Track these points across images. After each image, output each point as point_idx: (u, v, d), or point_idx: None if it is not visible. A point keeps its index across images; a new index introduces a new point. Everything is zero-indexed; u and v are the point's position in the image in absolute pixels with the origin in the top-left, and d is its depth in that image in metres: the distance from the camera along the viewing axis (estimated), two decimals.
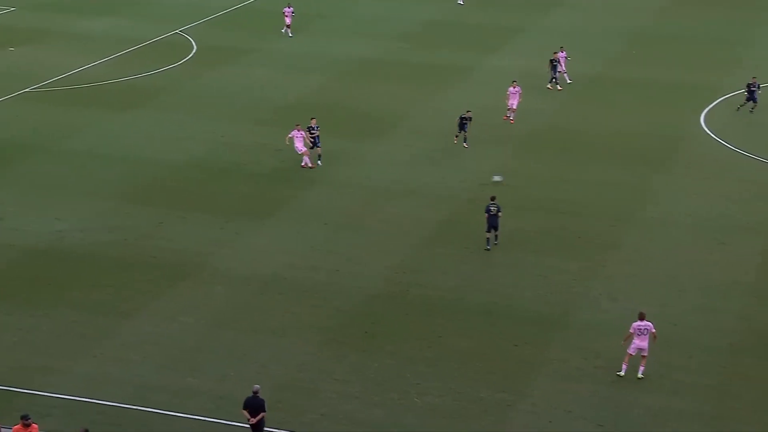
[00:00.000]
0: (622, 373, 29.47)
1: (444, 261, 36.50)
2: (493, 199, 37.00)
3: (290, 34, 63.33)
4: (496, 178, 41.95)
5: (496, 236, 36.95)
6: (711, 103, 51.86)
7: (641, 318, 29.40)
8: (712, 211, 40.22)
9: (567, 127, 48.98)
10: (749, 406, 28.42)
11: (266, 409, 25.85)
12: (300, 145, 43.97)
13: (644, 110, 51.20)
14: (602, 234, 38.38)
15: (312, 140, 44.06)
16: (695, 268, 35.83)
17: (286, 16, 63.52)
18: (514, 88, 48.76)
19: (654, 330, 29.30)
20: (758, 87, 49.09)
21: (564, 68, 54.01)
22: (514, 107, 48.69)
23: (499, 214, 36.68)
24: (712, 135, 47.91)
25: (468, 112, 46.16)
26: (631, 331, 29.35)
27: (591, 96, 53.31)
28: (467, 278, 35.30)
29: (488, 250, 36.77)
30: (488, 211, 36.82)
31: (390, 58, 60.32)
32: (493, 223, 36.72)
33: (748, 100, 49.19)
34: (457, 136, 46.02)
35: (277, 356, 30.56)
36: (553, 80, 53.51)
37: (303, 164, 44.01)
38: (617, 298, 34.02)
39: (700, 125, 49.15)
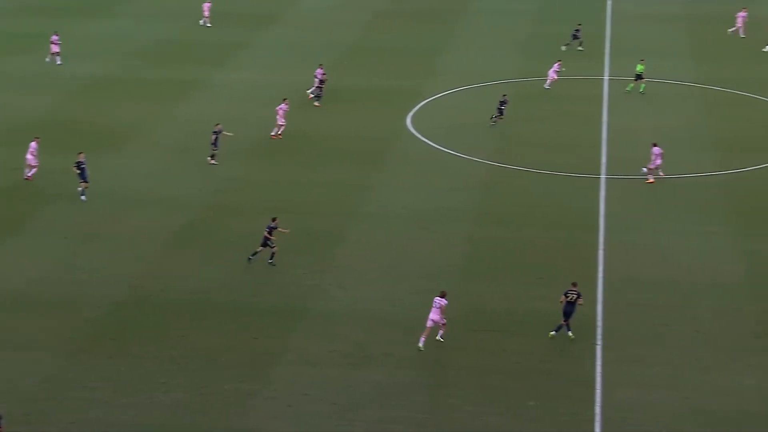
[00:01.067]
0: (420, 345, 30.33)
1: (187, 265, 35.67)
2: (274, 219, 35.92)
3: (58, 62, 59.16)
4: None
5: (270, 254, 35.64)
6: (415, 106, 53.61)
7: (441, 295, 30.71)
8: (422, 203, 41.53)
9: (293, 133, 49.01)
10: (464, 373, 29.57)
11: (1, 426, 24.24)
12: (30, 158, 41.99)
13: (359, 115, 52.18)
14: (330, 230, 38.74)
15: (79, 173, 41.04)
16: (412, 255, 36.85)
17: (53, 43, 59.30)
18: (285, 104, 48.24)
19: (443, 306, 30.50)
20: (506, 102, 50.26)
21: (319, 84, 53.84)
22: (282, 123, 48.02)
23: (269, 233, 35.37)
24: (418, 135, 49.56)
25: (217, 125, 45.15)
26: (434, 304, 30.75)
27: (319, 103, 53.55)
28: (210, 279, 34.65)
29: (249, 259, 35.60)
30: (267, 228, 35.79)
31: (124, 76, 58.26)
32: (264, 240, 35.66)
33: (499, 113, 50.31)
34: (213, 154, 44.73)
35: (23, 371, 28.73)
36: (316, 95, 53.25)
37: (28, 176, 42.25)
38: (346, 287, 34.48)
39: (407, 126, 50.72)
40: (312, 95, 53.64)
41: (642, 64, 55.12)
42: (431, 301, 33.14)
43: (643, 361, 30.23)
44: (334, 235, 38.33)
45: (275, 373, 29.25)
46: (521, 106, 52.11)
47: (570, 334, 31.06)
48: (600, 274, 35.33)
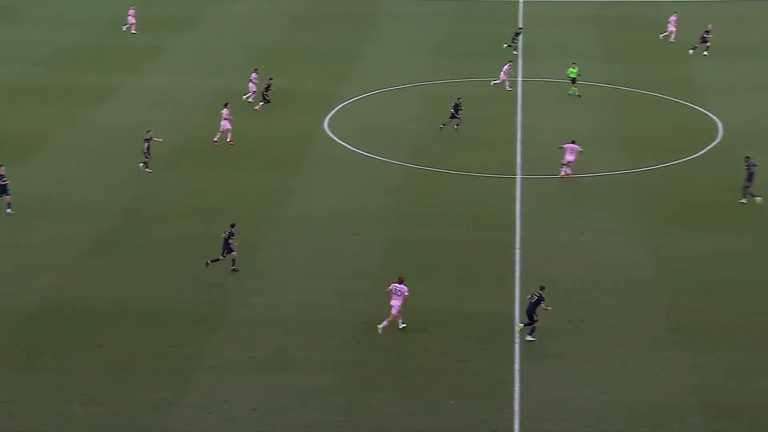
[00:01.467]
0: (400, 326, 31.24)
1: (104, 272, 34.90)
2: (233, 225, 35.23)
3: None
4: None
5: (232, 260, 35.05)
6: (332, 109, 53.37)
7: (399, 281, 30.89)
8: (342, 206, 41.32)
9: (209, 138, 48.33)
10: (384, 375, 29.47)
11: None
12: None
13: (277, 118, 51.71)
14: (249, 235, 38.14)
15: (2, 187, 39.70)
16: (332, 258, 36.61)
17: None
18: (226, 109, 47.41)
19: (407, 294, 30.83)
20: (460, 106, 49.72)
21: (255, 88, 53.06)
22: (229, 128, 47.23)
23: (230, 240, 34.79)
24: (336, 138, 49.35)
25: (148, 132, 44.14)
26: (390, 288, 30.95)
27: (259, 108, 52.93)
28: (127, 287, 33.95)
29: (207, 264, 34.94)
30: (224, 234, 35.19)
31: (34, 82, 56.76)
32: (224, 246, 34.99)
33: (452, 117, 49.88)
34: (147, 162, 43.73)
35: None
36: (264, 100, 52.53)
37: None
38: (265, 291, 34.11)
39: (325, 130, 50.46)
40: (250, 101, 52.95)
41: (574, 68, 55.88)
42: (350, 302, 33.06)
43: (560, 357, 30.55)
44: (253, 240, 37.83)
45: (194, 380, 28.74)
46: (437, 108, 52.24)
47: (518, 324, 31.42)
48: (517, 273, 35.59)
